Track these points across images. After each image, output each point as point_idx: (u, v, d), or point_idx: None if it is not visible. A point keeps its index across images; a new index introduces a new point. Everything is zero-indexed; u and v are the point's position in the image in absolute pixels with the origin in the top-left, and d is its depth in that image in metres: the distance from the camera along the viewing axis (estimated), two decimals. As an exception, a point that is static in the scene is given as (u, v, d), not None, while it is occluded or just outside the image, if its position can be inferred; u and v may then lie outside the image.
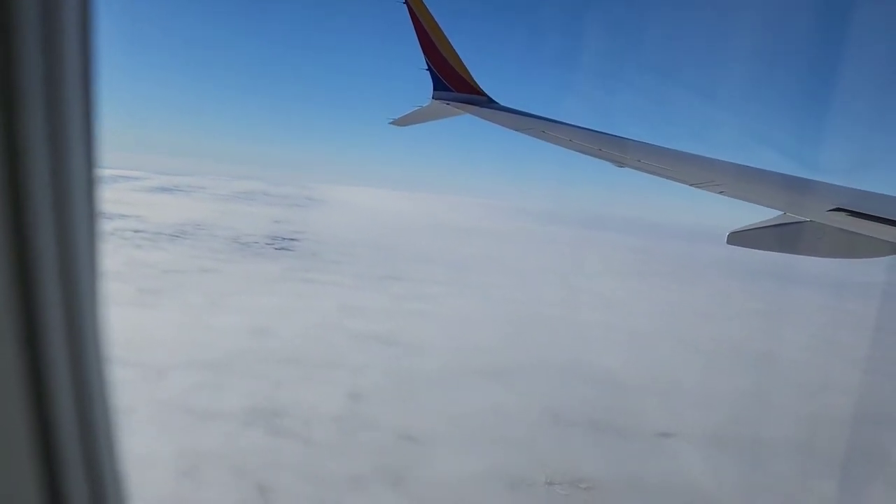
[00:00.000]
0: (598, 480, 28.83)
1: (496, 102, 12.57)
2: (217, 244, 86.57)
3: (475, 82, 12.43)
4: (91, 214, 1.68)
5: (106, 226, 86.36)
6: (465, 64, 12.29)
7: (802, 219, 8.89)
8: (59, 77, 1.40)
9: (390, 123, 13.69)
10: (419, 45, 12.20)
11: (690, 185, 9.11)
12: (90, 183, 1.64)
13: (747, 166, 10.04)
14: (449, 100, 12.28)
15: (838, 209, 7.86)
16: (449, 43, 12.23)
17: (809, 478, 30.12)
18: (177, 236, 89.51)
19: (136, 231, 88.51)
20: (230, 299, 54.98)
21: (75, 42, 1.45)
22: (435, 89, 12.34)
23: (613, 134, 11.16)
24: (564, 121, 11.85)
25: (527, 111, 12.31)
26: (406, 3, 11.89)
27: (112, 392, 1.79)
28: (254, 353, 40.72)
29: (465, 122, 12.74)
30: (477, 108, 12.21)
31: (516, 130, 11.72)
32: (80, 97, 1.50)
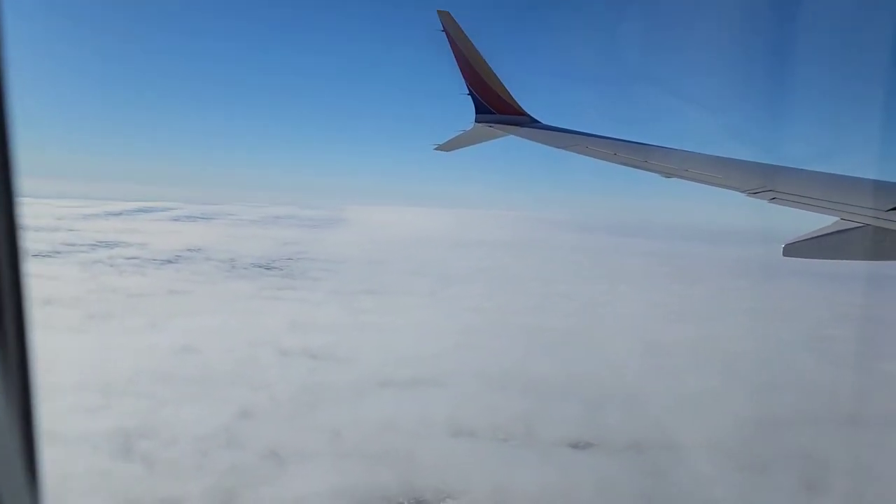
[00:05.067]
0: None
1: (538, 122, 12.70)
2: (205, 267, 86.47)
3: (516, 103, 12.65)
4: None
5: (101, 255, 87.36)
6: (505, 86, 12.58)
7: (859, 223, 8.36)
8: None
9: (435, 149, 13.88)
10: (459, 71, 12.51)
11: (742, 192, 8.91)
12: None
13: (797, 169, 9.80)
14: (491, 122, 12.52)
15: None
16: (488, 67, 12.47)
17: None
18: (169, 262, 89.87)
19: (128, 258, 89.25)
20: (178, 320, 54.01)
21: None
22: (477, 112, 12.60)
23: (658, 145, 11.12)
24: (608, 135, 11.78)
25: (569, 128, 12.29)
26: (444, 31, 12.15)
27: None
28: (160, 373, 39.40)
29: (510, 142, 12.80)
30: (519, 128, 12.41)
31: (560, 148, 11.70)
32: None
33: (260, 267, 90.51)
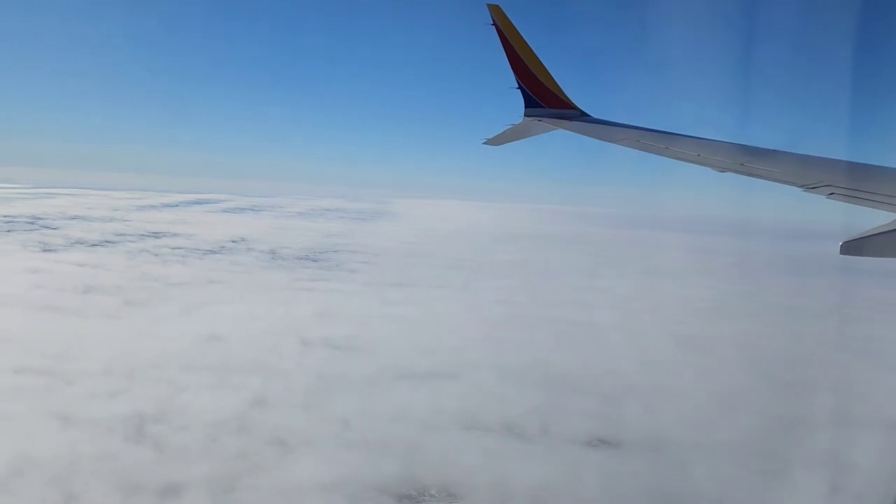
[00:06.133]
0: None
1: (588, 115, 12.66)
2: (246, 258, 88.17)
3: (566, 97, 12.65)
4: None
5: (147, 244, 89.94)
6: (555, 79, 12.59)
7: None
8: None
9: (484, 143, 13.89)
10: (509, 65, 12.52)
11: (799, 187, 8.75)
12: None
13: (856, 163, 9.57)
14: (541, 116, 12.51)
15: None
16: (538, 60, 12.49)
17: None
18: (213, 252, 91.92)
19: (173, 248, 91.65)
20: (209, 309, 55.14)
21: None
22: (527, 106, 12.61)
23: (711, 139, 10.96)
24: (660, 128, 11.68)
25: (620, 122, 12.24)
26: (494, 24, 12.23)
27: None
28: (184, 360, 40.21)
29: (560, 137, 12.83)
30: (569, 122, 12.37)
31: (610, 142, 11.60)
32: None
33: (300, 258, 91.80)
